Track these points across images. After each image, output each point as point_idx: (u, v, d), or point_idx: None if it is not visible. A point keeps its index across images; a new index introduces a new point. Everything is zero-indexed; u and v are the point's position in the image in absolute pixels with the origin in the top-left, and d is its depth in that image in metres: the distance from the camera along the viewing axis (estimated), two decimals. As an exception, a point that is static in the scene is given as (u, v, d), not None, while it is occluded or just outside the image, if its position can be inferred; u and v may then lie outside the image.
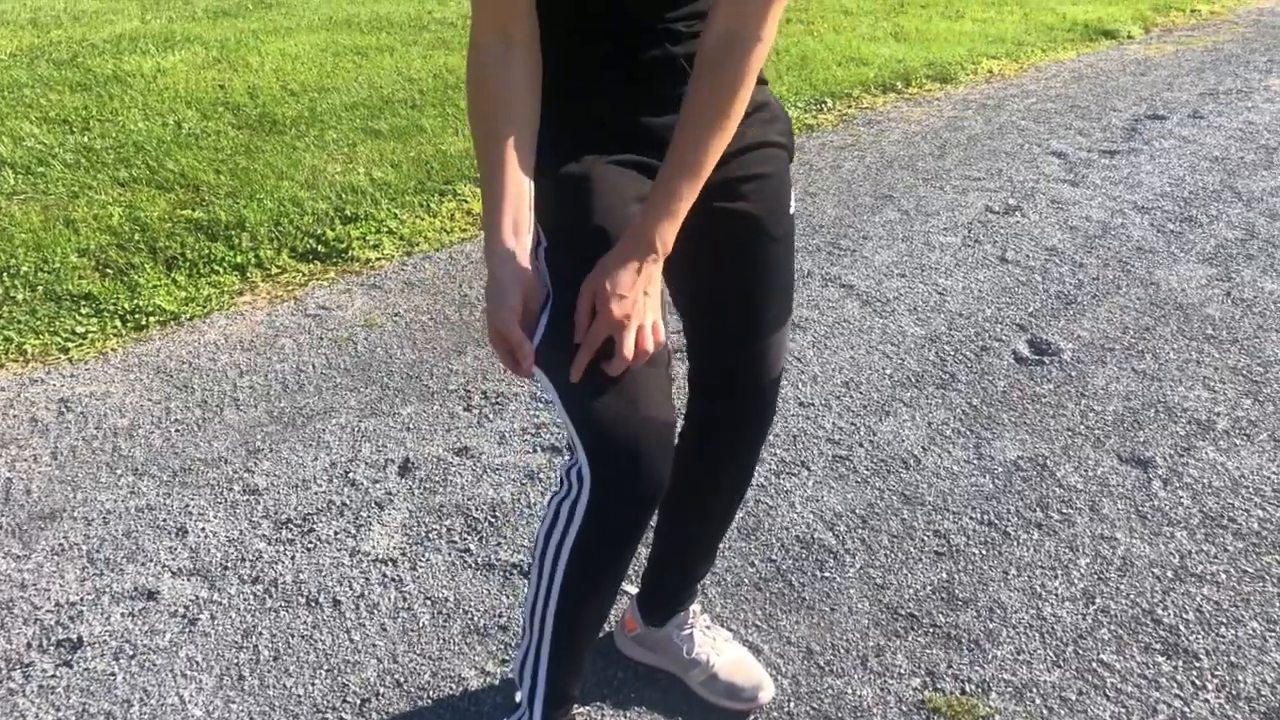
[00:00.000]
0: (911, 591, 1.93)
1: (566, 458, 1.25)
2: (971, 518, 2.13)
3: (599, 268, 1.17)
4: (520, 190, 1.19)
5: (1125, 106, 5.16)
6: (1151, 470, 2.28)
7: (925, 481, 2.25)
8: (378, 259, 3.39)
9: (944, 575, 1.97)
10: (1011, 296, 3.12)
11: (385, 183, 3.88)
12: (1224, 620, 1.85)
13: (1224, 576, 1.96)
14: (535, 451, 2.34)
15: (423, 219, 3.67)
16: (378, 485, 2.24)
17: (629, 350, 1.14)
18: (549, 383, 1.18)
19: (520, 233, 1.18)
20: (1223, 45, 6.61)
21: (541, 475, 2.25)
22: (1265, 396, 2.57)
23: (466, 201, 3.80)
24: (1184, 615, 1.87)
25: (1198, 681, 1.72)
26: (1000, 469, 2.29)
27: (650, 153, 1.27)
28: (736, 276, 1.38)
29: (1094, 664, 1.76)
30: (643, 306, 1.16)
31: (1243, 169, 4.25)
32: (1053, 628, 1.84)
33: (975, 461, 2.31)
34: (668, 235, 1.17)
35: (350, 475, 2.28)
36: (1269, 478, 2.25)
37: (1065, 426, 2.45)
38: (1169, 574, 1.97)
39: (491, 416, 2.49)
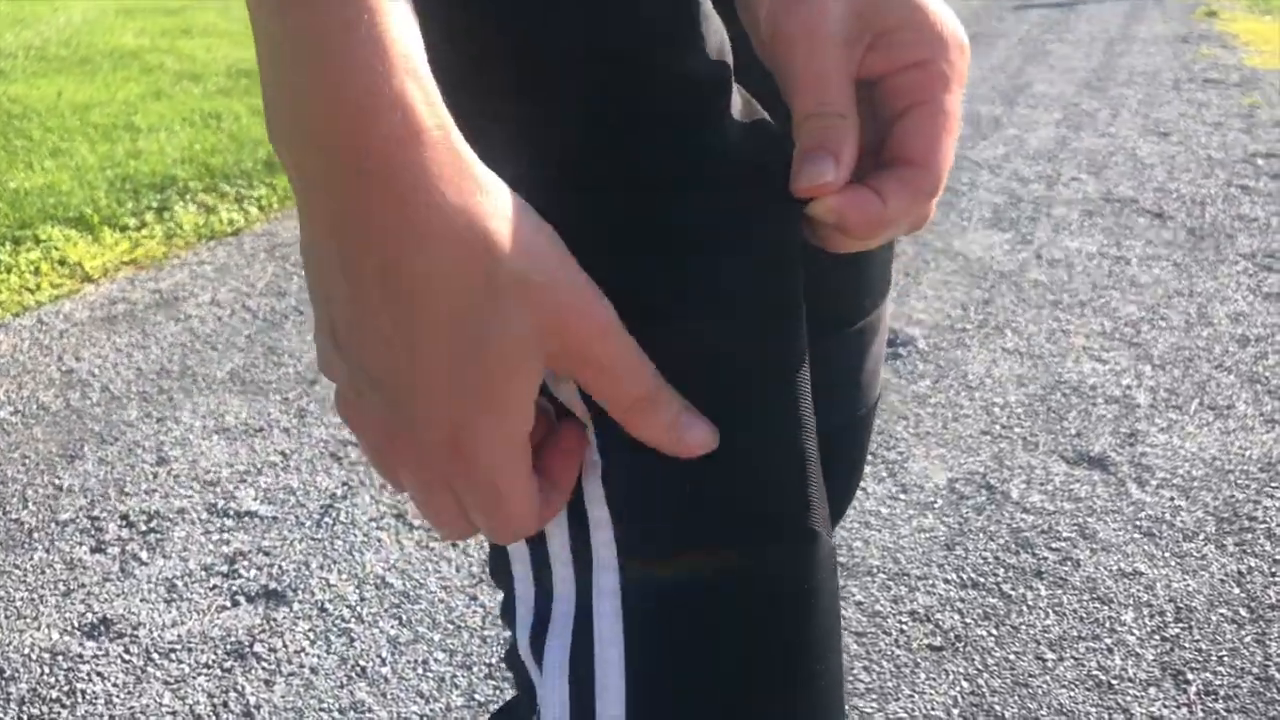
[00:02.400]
0: (935, 724, 1.19)
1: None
2: (947, 580, 1.43)
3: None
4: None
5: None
6: (1112, 469, 1.71)
7: (858, 538, 1.52)
8: (-84, 337, 2.20)
9: (963, 682, 1.25)
10: (820, 284, 2.51)
11: (-79, 231, 2.65)
12: (1354, 667, 1.28)
13: (1305, 600, 1.40)
14: (238, 603, 1.36)
15: (-12, 275, 2.49)
16: (-69, 731, 1.17)
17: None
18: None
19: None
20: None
21: (259, 647, 1.28)
22: (1160, 359, 2.11)
23: (56, 247, 2.66)
24: (1308, 673, 1.27)
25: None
26: (940, 501, 1.61)
27: None
28: None
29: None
30: None
31: (964, 140, 4.01)
32: (1162, 738, 1.17)
33: (903, 496, 1.63)
34: None
35: None
36: (1241, 452, 1.75)
37: (979, 429, 1.83)
38: (1242, 612, 1.37)
39: (146, 556, 1.46)
